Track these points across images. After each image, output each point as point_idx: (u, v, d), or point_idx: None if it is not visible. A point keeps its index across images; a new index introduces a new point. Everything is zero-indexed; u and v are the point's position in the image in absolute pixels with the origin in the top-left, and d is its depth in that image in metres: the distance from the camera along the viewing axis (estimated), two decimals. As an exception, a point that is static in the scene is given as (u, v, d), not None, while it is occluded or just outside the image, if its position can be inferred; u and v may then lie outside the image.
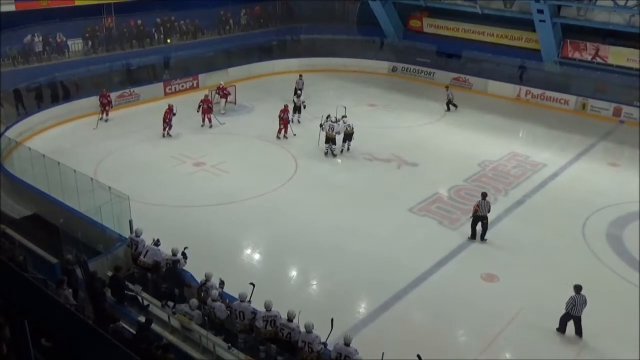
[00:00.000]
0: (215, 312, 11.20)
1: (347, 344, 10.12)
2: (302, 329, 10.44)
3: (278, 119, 22.71)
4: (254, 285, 11.26)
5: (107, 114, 23.91)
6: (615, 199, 18.69)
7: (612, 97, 27.19)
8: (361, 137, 23.24)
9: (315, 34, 34.20)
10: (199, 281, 12.16)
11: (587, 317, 13.04)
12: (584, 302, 12.19)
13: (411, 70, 32.76)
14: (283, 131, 22.82)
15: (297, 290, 13.98)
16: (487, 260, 15.14)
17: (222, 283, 11.85)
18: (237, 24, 33.71)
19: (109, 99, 24.07)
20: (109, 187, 14.51)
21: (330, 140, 21.07)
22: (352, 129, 21.41)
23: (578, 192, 19.33)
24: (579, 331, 12.43)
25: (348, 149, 21.73)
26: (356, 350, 10.06)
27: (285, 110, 22.86)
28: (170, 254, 12.71)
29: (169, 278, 12.57)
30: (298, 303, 11.16)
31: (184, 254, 12.66)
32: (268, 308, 10.87)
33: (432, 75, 32.04)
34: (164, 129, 22.70)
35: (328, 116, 21.45)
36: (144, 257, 12.96)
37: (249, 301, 11.17)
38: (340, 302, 13.34)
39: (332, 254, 15.23)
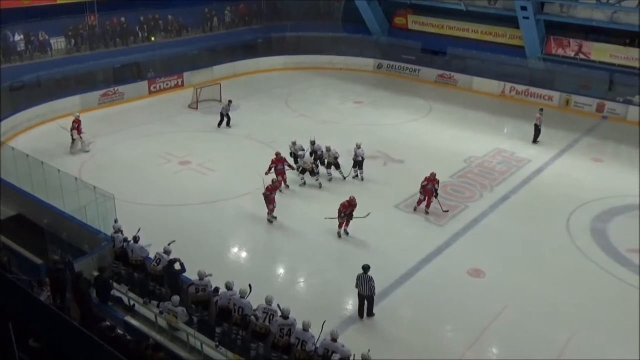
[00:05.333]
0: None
1: (334, 340, 10.14)
2: (299, 326, 10.44)
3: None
4: (250, 287, 11.29)
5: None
6: (599, 194, 18.89)
7: (595, 93, 27.46)
8: (347, 134, 23.29)
9: (301, 32, 34.14)
10: (191, 280, 12.06)
11: (572, 310, 13.21)
12: (369, 281, 12.38)
13: (396, 68, 32.81)
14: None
15: (284, 288, 13.95)
16: (473, 256, 15.22)
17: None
18: (222, 22, 33.54)
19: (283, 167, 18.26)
20: (94, 187, 14.39)
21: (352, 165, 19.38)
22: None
23: (562, 187, 19.50)
24: (370, 312, 12.69)
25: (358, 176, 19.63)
26: (342, 345, 10.10)
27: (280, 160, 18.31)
28: (162, 251, 12.65)
29: (166, 278, 12.51)
30: (286, 301, 11.15)
31: (177, 260, 12.60)
32: (269, 302, 10.89)
33: (417, 72, 32.13)
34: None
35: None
36: (132, 255, 12.88)
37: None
38: (327, 299, 13.36)
39: (319, 252, 15.25)
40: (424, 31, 33.44)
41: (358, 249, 15.30)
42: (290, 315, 10.70)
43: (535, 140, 23.37)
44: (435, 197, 17.19)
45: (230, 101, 24.73)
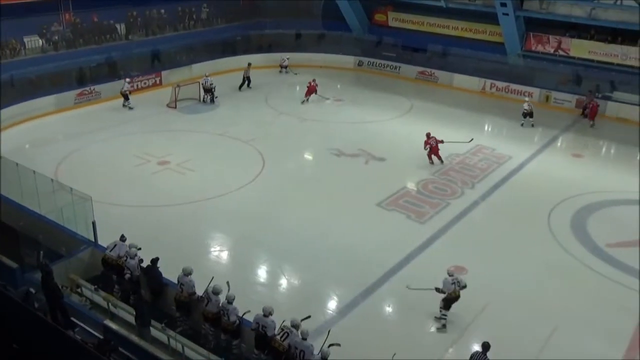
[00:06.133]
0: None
1: (304, 339, 10.05)
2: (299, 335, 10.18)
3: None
4: (229, 285, 11.17)
5: None
6: (579, 189, 18.99)
7: (574, 89, 27.64)
8: (328, 132, 23.23)
9: (280, 29, 33.94)
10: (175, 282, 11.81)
11: (553, 305, 13.26)
12: None
13: (377, 65, 32.74)
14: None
15: (265, 288, 13.83)
16: (456, 253, 15.19)
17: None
18: (200, 19, 33.20)
19: None
20: (71, 189, 14.07)
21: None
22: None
23: (543, 183, 19.58)
24: None
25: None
26: (312, 345, 10.01)
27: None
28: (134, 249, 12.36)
29: (148, 277, 12.24)
30: (267, 301, 11.02)
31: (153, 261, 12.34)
32: (267, 314, 10.52)
33: (398, 69, 32.11)
34: None
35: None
36: (109, 252, 12.59)
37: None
38: (309, 300, 13.23)
39: (300, 251, 15.11)
40: (404, 28, 33.47)
41: (340, 248, 15.17)
42: (273, 317, 10.56)
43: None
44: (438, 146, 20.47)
45: (249, 64, 28.95)
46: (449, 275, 12.49)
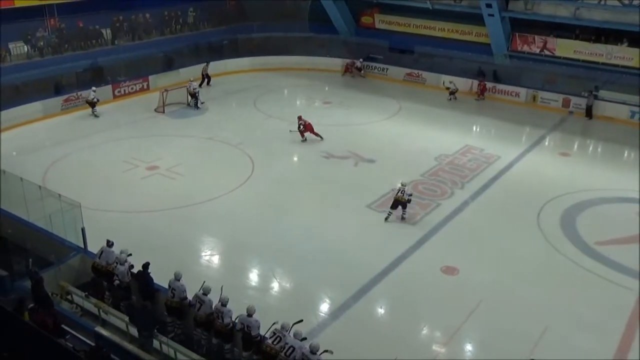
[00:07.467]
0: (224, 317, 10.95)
1: (299, 338, 10.08)
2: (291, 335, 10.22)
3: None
4: (222, 290, 11.10)
5: None
6: (568, 188, 19.12)
7: (561, 88, 27.85)
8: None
9: (267, 32, 33.92)
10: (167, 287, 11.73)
11: (544, 304, 13.32)
12: None
13: (365, 67, 32.81)
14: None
15: (257, 292, 13.79)
16: (447, 253, 15.24)
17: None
18: (186, 23, 33.10)
19: None
20: (59, 195, 13.97)
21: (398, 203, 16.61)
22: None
23: (532, 182, 19.70)
24: None
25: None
26: (303, 345, 9.99)
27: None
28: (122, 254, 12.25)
29: (139, 282, 12.14)
30: (259, 305, 10.97)
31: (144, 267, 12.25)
32: (250, 313, 10.58)
33: (385, 71, 32.20)
34: None
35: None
36: (98, 259, 12.49)
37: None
38: (301, 302, 13.22)
39: (292, 254, 15.08)
40: (391, 30, 33.54)
41: (331, 251, 15.17)
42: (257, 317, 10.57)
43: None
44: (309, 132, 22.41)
45: (207, 62, 29.57)
46: (402, 185, 16.53)
